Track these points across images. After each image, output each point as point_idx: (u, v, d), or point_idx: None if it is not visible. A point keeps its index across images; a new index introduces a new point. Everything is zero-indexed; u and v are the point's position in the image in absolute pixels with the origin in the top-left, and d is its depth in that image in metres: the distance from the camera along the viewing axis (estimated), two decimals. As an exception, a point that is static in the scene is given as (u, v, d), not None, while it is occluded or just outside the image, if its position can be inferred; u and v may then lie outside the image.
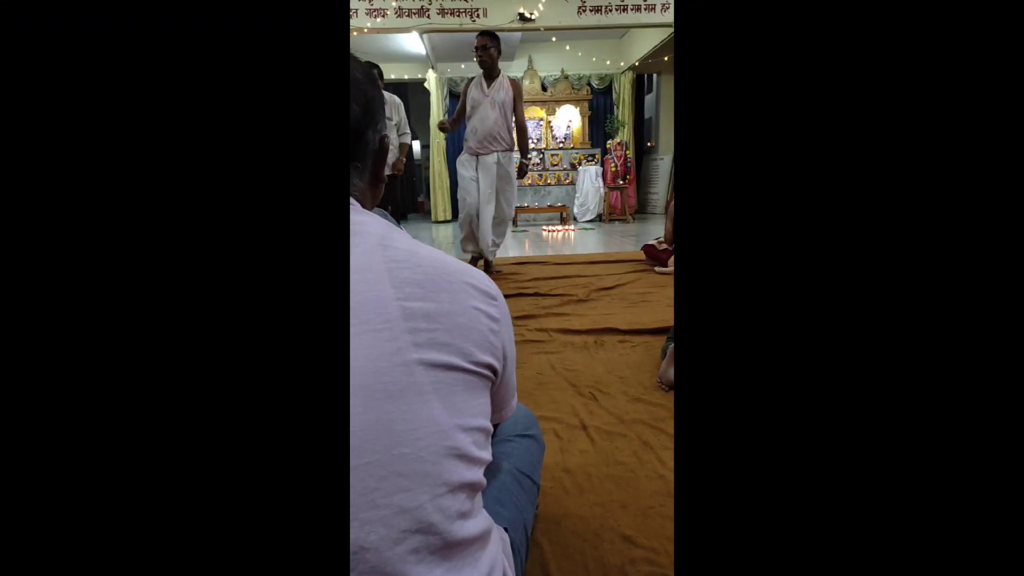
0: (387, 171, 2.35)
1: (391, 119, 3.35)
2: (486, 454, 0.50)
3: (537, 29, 5.46)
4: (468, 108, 3.16)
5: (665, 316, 2.06)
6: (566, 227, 6.19)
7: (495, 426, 0.61)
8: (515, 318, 2.21)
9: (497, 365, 0.52)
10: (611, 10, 5.38)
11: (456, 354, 0.47)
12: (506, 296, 2.57)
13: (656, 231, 5.41)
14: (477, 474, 0.48)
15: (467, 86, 3.18)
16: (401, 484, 0.42)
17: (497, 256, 4.01)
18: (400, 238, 0.51)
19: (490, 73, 3.10)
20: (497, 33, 3.12)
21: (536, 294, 2.64)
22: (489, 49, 3.00)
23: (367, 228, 0.48)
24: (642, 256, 3.52)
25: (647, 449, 1.12)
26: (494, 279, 2.36)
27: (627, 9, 5.38)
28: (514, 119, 3.15)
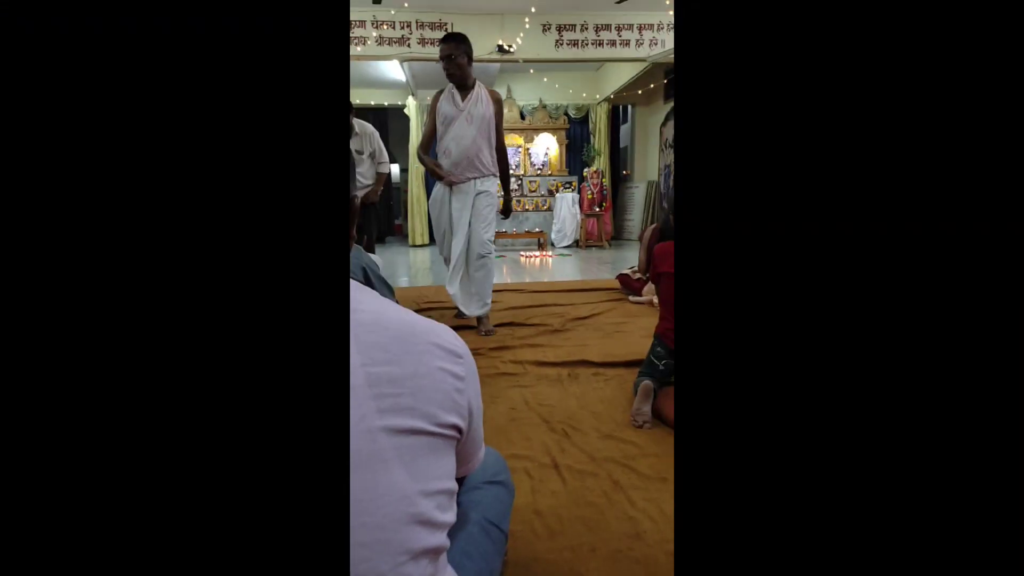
0: (360, 201, 2.26)
1: (361, 152, 3.23)
2: (450, 516, 0.51)
3: (516, 61, 5.60)
4: (439, 126, 2.41)
5: (638, 348, 2.09)
6: (543, 253, 6.26)
7: (462, 478, 0.61)
8: (490, 349, 2.22)
9: (462, 424, 0.53)
10: (587, 44, 5.57)
11: (421, 417, 0.48)
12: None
13: (631, 258, 5.50)
14: (440, 538, 0.49)
15: (435, 99, 2.42)
16: (362, 554, 0.42)
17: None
18: (368, 299, 0.51)
19: (463, 84, 2.37)
20: (464, 35, 2.39)
21: (512, 324, 2.65)
22: (455, 58, 2.28)
23: None
24: (617, 284, 3.58)
25: (617, 489, 1.13)
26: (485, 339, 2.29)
27: (603, 44, 5.57)
28: (495, 142, 2.44)
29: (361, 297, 0.51)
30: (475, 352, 2.18)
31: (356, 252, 1.35)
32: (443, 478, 0.50)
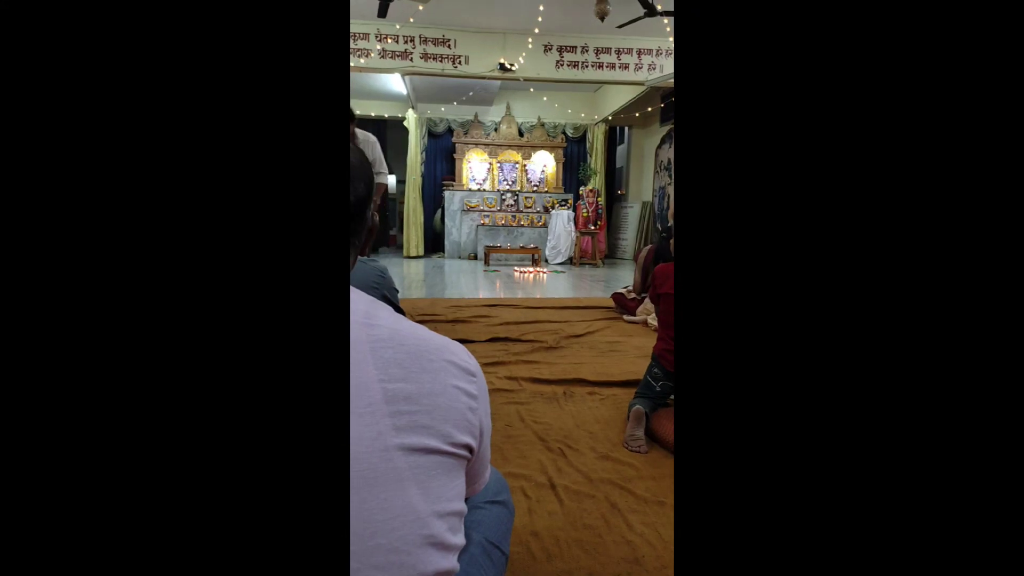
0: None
1: None
2: (460, 538, 0.50)
3: (516, 79, 5.68)
4: None
5: (633, 368, 2.10)
6: (538, 269, 6.27)
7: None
8: (486, 364, 2.20)
9: (474, 444, 0.52)
10: (587, 66, 5.67)
11: (435, 436, 0.47)
12: (478, 341, 2.57)
13: (625, 276, 5.54)
14: (451, 561, 0.48)
15: None
16: None
17: (469, 297, 4.02)
18: (384, 315, 0.51)
19: None
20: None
21: (507, 339, 2.64)
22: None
23: (353, 306, 0.49)
24: (611, 303, 3.59)
25: (615, 512, 1.12)
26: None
27: (603, 66, 5.67)
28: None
29: (377, 312, 0.50)
30: (470, 367, 2.16)
31: (370, 265, 1.35)
32: (455, 499, 0.49)
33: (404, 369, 0.47)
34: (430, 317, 3.12)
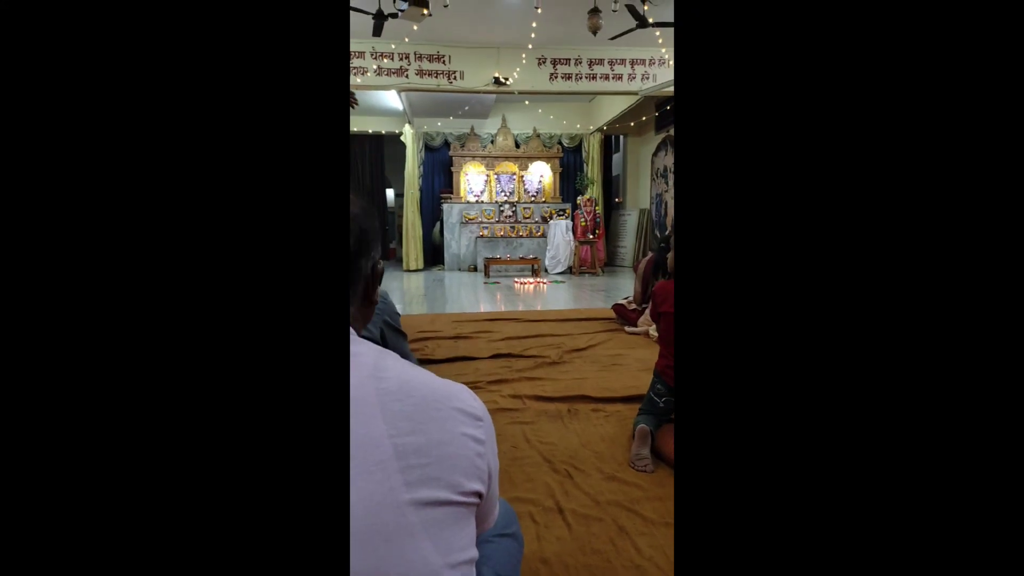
0: None
1: None
2: None
3: (511, 92, 5.73)
4: None
5: (636, 382, 2.10)
6: (538, 279, 6.29)
7: None
8: (489, 383, 2.21)
9: (483, 489, 0.53)
10: (581, 78, 5.72)
11: (446, 487, 0.48)
12: (480, 358, 2.57)
13: (624, 285, 5.55)
14: None
15: None
16: None
17: (470, 311, 4.02)
18: (391, 364, 0.52)
19: None
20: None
21: (509, 355, 2.65)
22: None
23: (360, 359, 0.50)
24: (612, 314, 3.60)
25: (623, 535, 1.12)
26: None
27: (596, 78, 5.73)
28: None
29: (385, 363, 0.51)
30: (474, 387, 2.17)
31: (392, 337, 1.36)
32: (467, 547, 0.50)
33: (413, 421, 0.48)
34: (432, 334, 3.12)
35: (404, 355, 1.69)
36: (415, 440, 0.48)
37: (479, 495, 0.52)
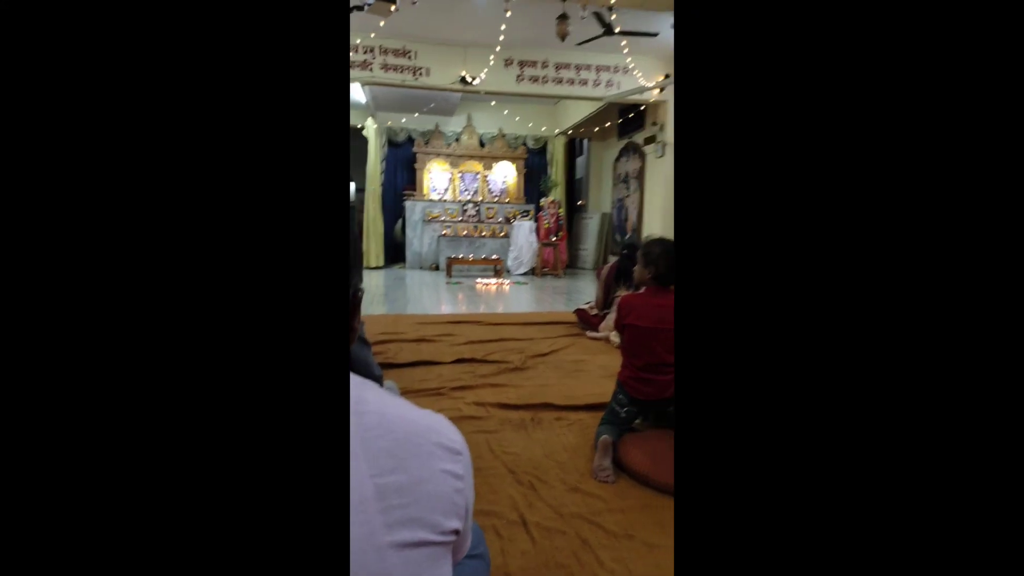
0: None
1: None
2: None
3: (478, 92, 5.70)
4: None
5: (598, 389, 2.14)
6: (500, 280, 6.30)
7: None
8: (452, 389, 2.20)
9: (461, 526, 0.53)
10: (548, 81, 5.76)
11: (426, 527, 0.48)
12: (444, 363, 2.55)
13: (586, 287, 5.64)
14: None
15: None
16: None
17: (432, 313, 3.98)
18: (371, 396, 0.51)
19: None
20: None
21: (472, 360, 2.65)
22: None
23: None
24: (574, 318, 3.65)
25: (586, 548, 1.14)
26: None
27: (562, 82, 5.78)
28: None
29: (364, 396, 0.50)
30: (437, 393, 2.16)
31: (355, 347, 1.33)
32: (443, 586, 0.50)
33: (394, 458, 0.48)
34: (393, 336, 3.08)
35: (367, 365, 1.65)
36: (396, 479, 0.47)
37: (456, 532, 0.52)
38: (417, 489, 0.48)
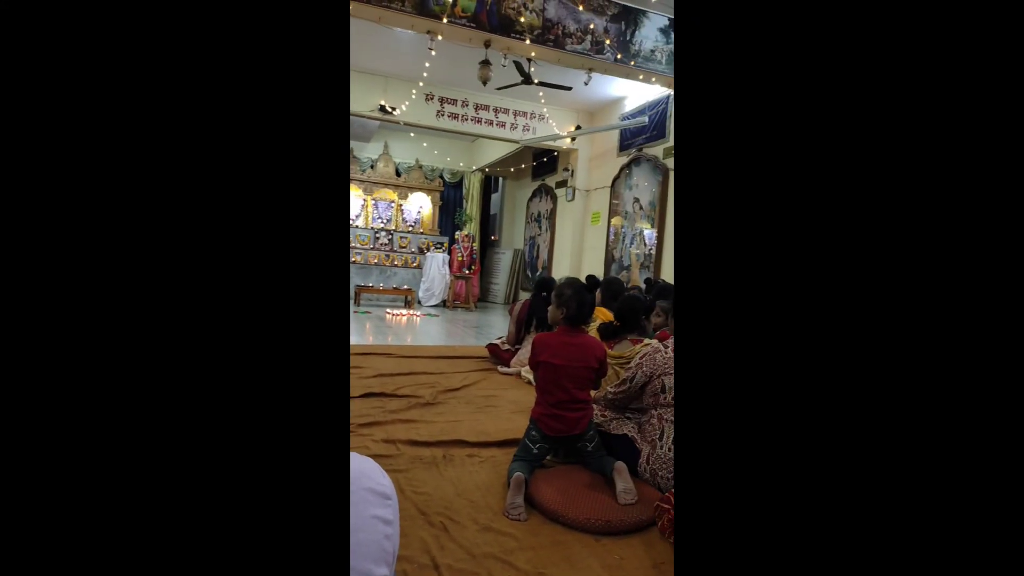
0: None
1: None
2: None
3: (397, 123, 5.71)
4: None
5: (510, 425, 2.17)
6: (411, 311, 6.18)
7: None
8: (361, 425, 2.10)
9: (389, 572, 0.52)
10: (467, 119, 5.93)
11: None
12: (352, 397, 2.44)
13: (497, 322, 5.71)
14: None
15: None
16: None
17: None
18: None
19: None
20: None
21: (382, 394, 2.56)
22: None
23: None
24: (486, 352, 3.67)
25: (499, 589, 1.14)
26: None
27: (481, 122, 5.98)
28: None
29: None
30: (343, 429, 2.04)
31: None
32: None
33: None
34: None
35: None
36: None
37: (383, 579, 0.51)
38: (351, 538, 0.47)
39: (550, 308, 1.77)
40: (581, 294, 1.73)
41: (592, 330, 2.45)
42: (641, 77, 4.30)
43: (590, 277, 3.94)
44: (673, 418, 1.64)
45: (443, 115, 5.82)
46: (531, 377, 2.46)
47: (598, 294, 3.10)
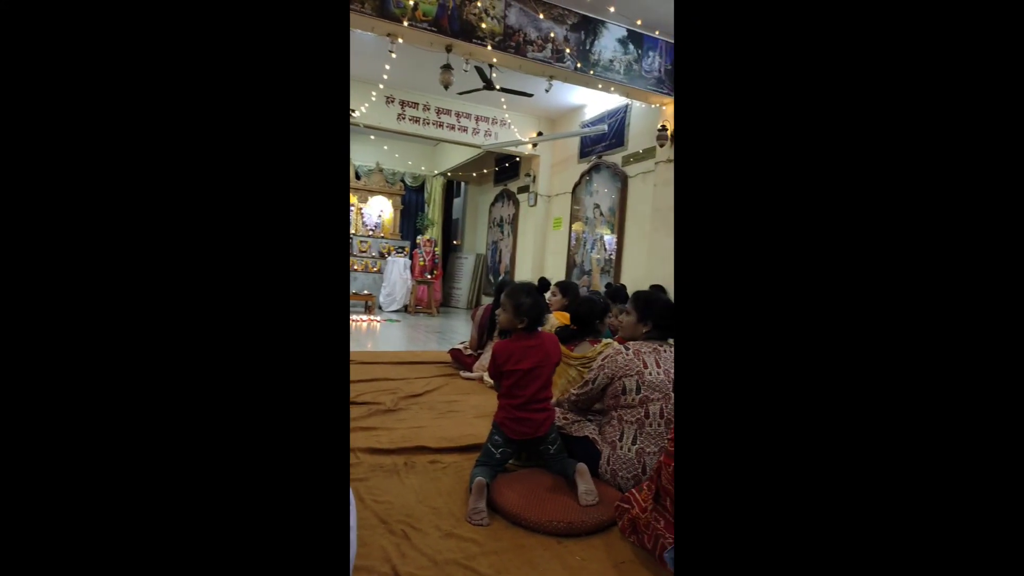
0: None
1: None
2: None
3: (357, 125, 5.61)
4: None
5: (473, 430, 2.15)
6: (371, 317, 6.06)
7: None
8: (317, 435, 2.04)
9: None
10: (428, 123, 5.89)
11: None
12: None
13: (458, 327, 5.68)
14: None
15: None
16: None
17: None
18: None
19: None
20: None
21: (341, 402, 2.49)
22: None
23: None
24: (448, 358, 3.65)
25: (461, 595, 1.13)
26: None
27: (443, 126, 5.96)
28: None
29: None
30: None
31: None
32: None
33: None
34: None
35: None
36: None
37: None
38: None
39: (502, 315, 1.77)
40: (540, 303, 1.76)
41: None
42: (600, 86, 4.40)
43: (542, 280, 4.03)
44: (633, 419, 1.68)
45: (404, 118, 5.76)
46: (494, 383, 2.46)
47: (561, 297, 3.15)
